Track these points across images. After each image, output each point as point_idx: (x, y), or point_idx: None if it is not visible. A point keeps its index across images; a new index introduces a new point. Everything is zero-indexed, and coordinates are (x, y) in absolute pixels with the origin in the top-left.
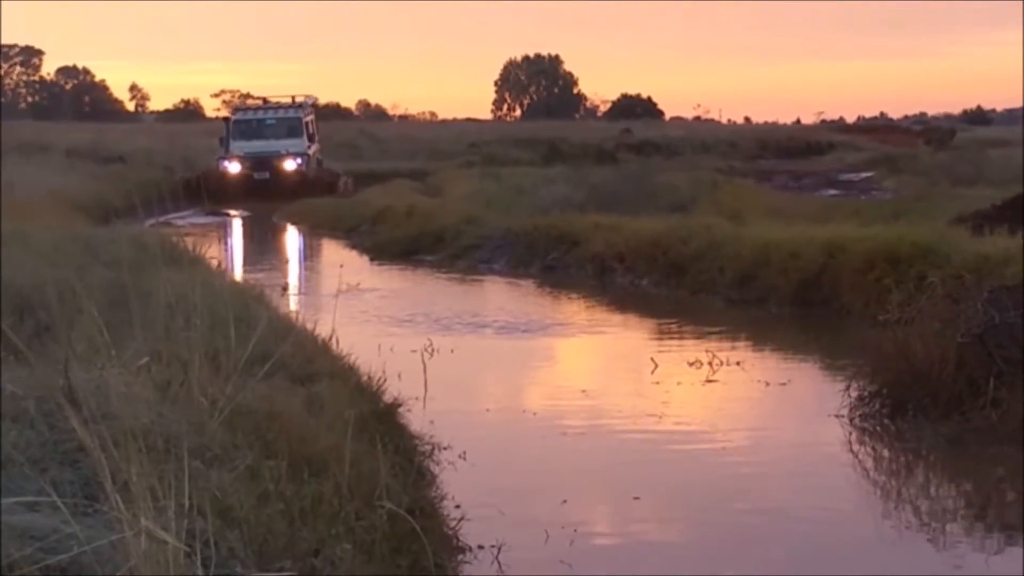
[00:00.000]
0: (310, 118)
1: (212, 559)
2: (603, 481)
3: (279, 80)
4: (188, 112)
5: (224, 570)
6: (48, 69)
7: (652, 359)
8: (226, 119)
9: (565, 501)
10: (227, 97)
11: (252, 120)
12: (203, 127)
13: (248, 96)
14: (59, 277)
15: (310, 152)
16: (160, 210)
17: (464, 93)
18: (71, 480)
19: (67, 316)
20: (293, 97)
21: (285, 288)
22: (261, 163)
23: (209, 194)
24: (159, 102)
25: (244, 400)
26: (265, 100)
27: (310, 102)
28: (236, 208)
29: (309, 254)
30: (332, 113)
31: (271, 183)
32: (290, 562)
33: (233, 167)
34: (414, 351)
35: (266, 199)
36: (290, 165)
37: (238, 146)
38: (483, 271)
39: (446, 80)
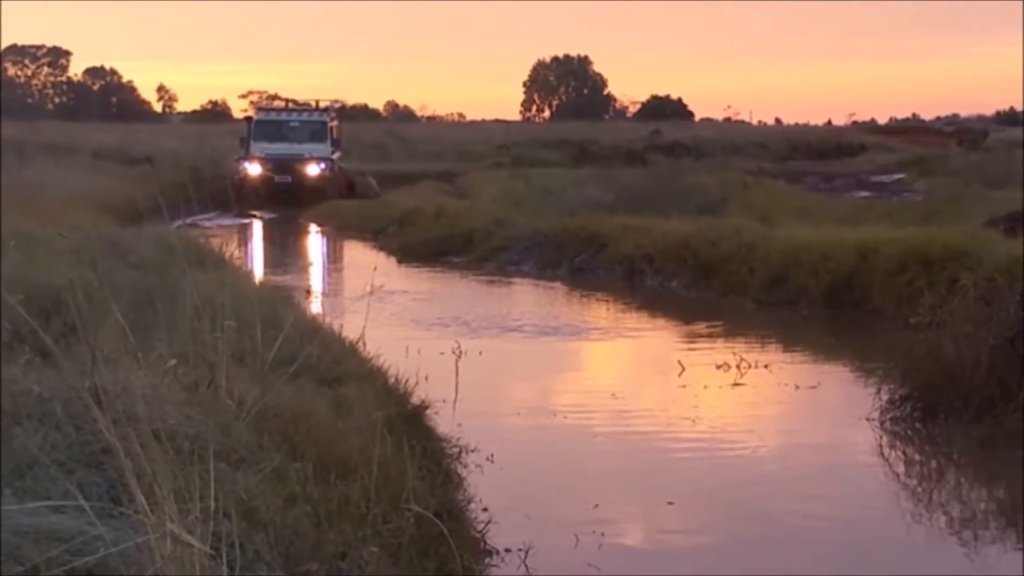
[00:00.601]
0: (335, 123)
1: (238, 562)
2: (632, 485)
3: (307, 81)
4: (216, 113)
5: (250, 572)
6: (76, 70)
7: (680, 362)
8: (248, 118)
9: (597, 506)
10: (255, 98)
11: (276, 121)
12: (231, 128)
13: (275, 97)
14: (85, 278)
15: (334, 158)
16: (186, 212)
17: (493, 94)
18: (97, 482)
19: (93, 318)
20: (318, 101)
21: (309, 291)
22: (283, 166)
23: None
24: (187, 103)
25: (271, 402)
26: (290, 102)
27: (335, 107)
28: (257, 210)
29: (336, 256)
30: (360, 114)
31: (293, 187)
32: (317, 565)
33: (253, 168)
34: (442, 353)
35: (286, 203)
36: (313, 170)
37: (259, 147)
38: (511, 273)
39: (474, 81)
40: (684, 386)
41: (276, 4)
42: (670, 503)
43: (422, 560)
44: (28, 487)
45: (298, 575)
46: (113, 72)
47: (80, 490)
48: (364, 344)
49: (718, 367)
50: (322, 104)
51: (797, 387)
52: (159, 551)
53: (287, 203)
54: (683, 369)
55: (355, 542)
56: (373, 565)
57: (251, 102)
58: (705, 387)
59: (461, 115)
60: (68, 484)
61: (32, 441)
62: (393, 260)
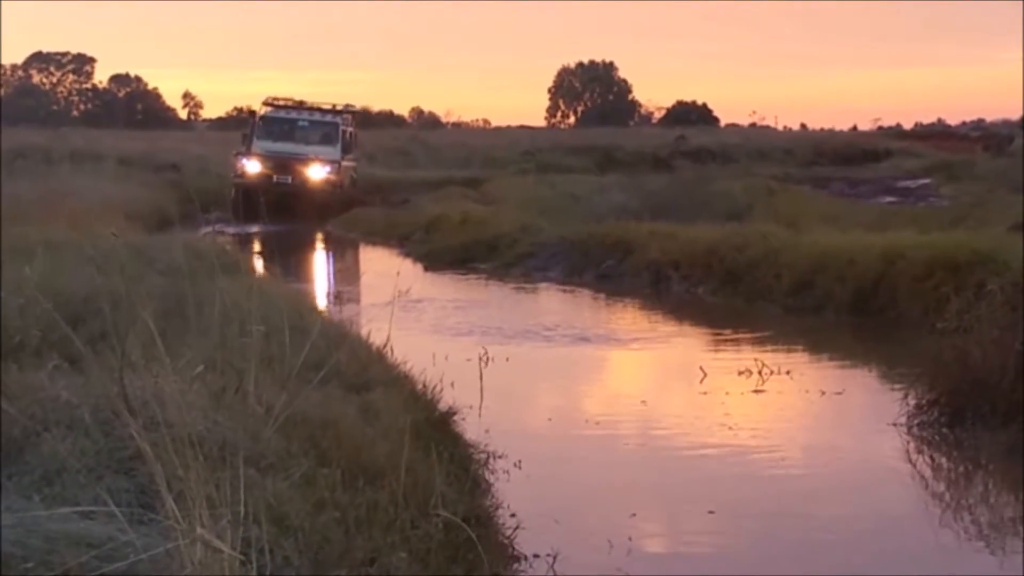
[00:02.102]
0: (350, 128)
1: (268, 567)
2: (661, 492)
3: (332, 88)
4: (241, 120)
5: None
6: (100, 77)
7: (703, 368)
8: (252, 113)
9: (634, 514)
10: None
11: (283, 119)
12: None
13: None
14: (113, 285)
15: (343, 162)
16: (216, 218)
17: (518, 100)
18: (126, 488)
19: (121, 324)
20: (335, 105)
21: (336, 297)
22: (283, 165)
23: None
24: (212, 110)
25: (299, 408)
26: (302, 102)
27: (353, 110)
28: (250, 219)
29: (361, 262)
30: (386, 120)
31: (292, 191)
32: (346, 571)
33: (252, 166)
34: (469, 360)
35: (285, 214)
36: (317, 172)
37: (262, 145)
38: (537, 279)
39: (500, 87)
40: (711, 392)
41: (302, 11)
42: (711, 511)
43: (450, 566)
44: (57, 493)
45: None
46: (138, 79)
47: (110, 496)
48: (391, 350)
49: (746, 373)
50: (338, 107)
51: (823, 392)
52: (189, 557)
53: (285, 213)
54: (705, 375)
55: (384, 548)
56: (402, 571)
57: (263, 103)
58: (730, 394)
59: (486, 121)
60: (98, 490)
61: (61, 447)
62: (419, 267)
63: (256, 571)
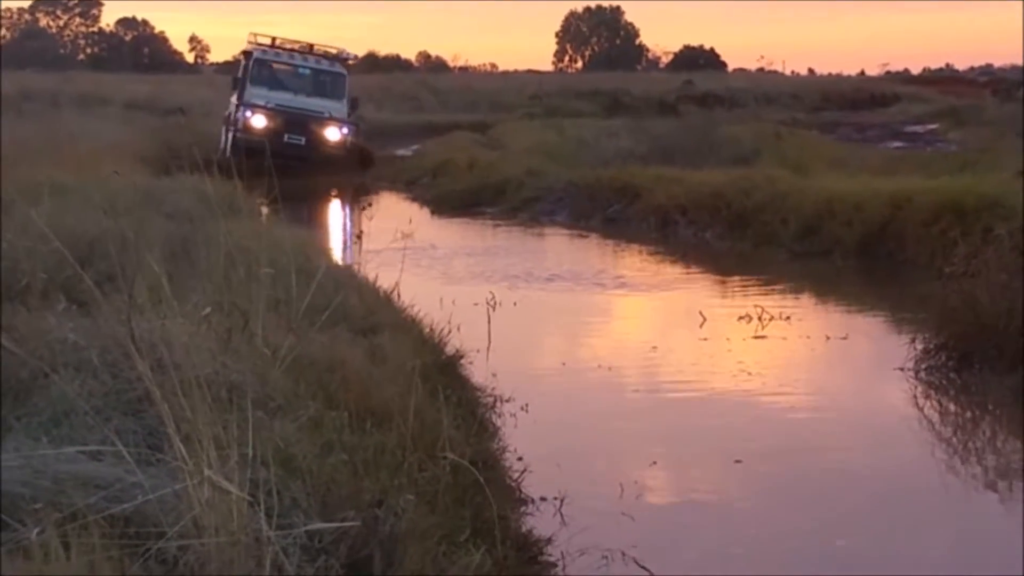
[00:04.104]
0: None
1: (275, 509)
2: (668, 437)
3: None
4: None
5: (287, 520)
6: (107, 20)
7: (702, 313)
8: (245, 54)
9: (655, 462)
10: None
11: (280, 63)
12: None
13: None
14: (120, 228)
15: (355, 121)
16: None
17: (525, 45)
18: (134, 430)
19: (129, 267)
20: (340, 50)
21: (344, 240)
22: (297, 123)
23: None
24: (219, 54)
25: (306, 350)
26: (297, 43)
27: (348, 57)
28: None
29: (369, 207)
30: (393, 64)
31: (304, 153)
32: (353, 512)
33: (258, 120)
34: (476, 304)
35: (291, 174)
36: (333, 134)
37: (258, 94)
38: (544, 223)
39: (507, 31)
40: (716, 338)
41: None
42: (737, 461)
43: (458, 508)
44: (65, 434)
45: (335, 522)
46: (145, 23)
47: (118, 437)
48: (398, 294)
49: (757, 319)
50: (331, 51)
51: (828, 337)
52: (197, 498)
53: (293, 174)
54: (705, 320)
55: (391, 490)
56: (409, 513)
57: (250, 41)
58: (742, 339)
59: (493, 65)
60: (106, 431)
61: (69, 389)
62: (426, 211)
63: (264, 512)
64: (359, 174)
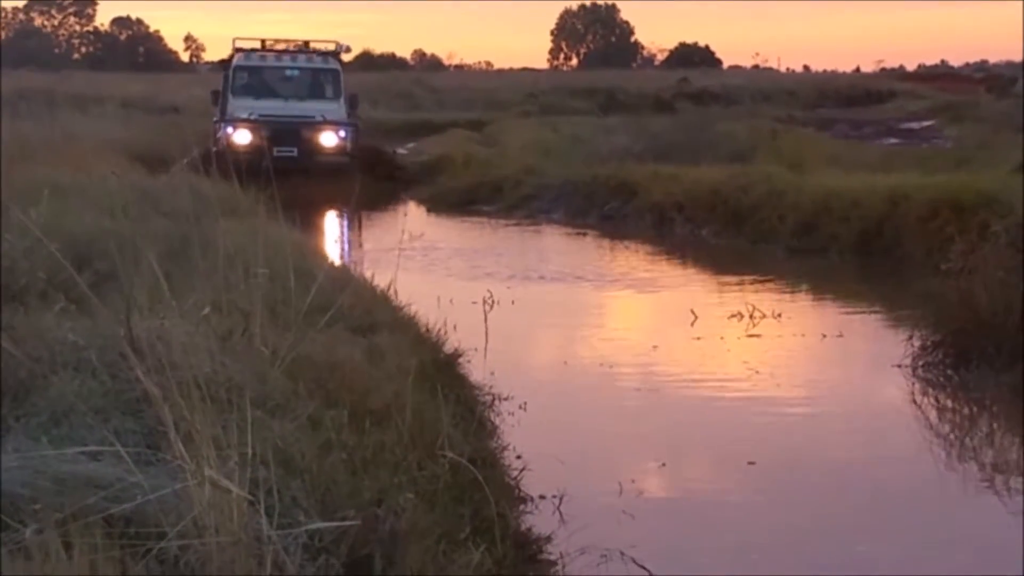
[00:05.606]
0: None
1: (275, 508)
2: (666, 435)
3: (336, 31)
4: None
5: (287, 519)
6: (102, 19)
7: (694, 311)
8: (225, 62)
9: (663, 464)
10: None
11: (265, 67)
12: None
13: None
14: (118, 227)
15: (355, 122)
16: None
17: (520, 43)
18: (134, 430)
19: (127, 266)
20: (333, 43)
21: (340, 241)
22: (284, 134)
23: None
24: (214, 53)
25: (305, 350)
26: (284, 43)
27: (342, 48)
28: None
29: (365, 205)
30: (388, 63)
31: (298, 165)
32: (353, 511)
33: (240, 136)
34: (474, 302)
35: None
36: (329, 139)
37: (241, 106)
38: (541, 221)
39: (502, 30)
40: (710, 336)
41: None
42: (751, 463)
43: (457, 506)
44: (64, 435)
45: (335, 521)
46: (140, 22)
47: (117, 437)
48: (396, 293)
49: (755, 316)
50: (322, 47)
51: (824, 336)
52: (197, 498)
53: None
54: (696, 318)
55: (391, 489)
56: (409, 511)
57: (234, 48)
58: (737, 337)
59: (489, 64)
60: (105, 431)
61: (68, 389)
62: (423, 209)
63: (264, 512)
64: (382, 185)
